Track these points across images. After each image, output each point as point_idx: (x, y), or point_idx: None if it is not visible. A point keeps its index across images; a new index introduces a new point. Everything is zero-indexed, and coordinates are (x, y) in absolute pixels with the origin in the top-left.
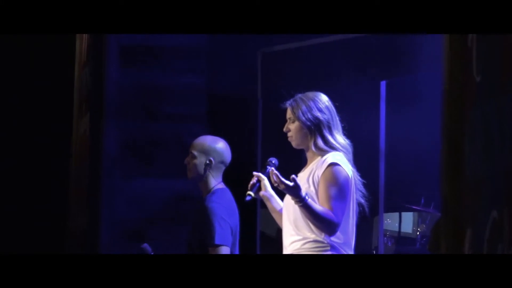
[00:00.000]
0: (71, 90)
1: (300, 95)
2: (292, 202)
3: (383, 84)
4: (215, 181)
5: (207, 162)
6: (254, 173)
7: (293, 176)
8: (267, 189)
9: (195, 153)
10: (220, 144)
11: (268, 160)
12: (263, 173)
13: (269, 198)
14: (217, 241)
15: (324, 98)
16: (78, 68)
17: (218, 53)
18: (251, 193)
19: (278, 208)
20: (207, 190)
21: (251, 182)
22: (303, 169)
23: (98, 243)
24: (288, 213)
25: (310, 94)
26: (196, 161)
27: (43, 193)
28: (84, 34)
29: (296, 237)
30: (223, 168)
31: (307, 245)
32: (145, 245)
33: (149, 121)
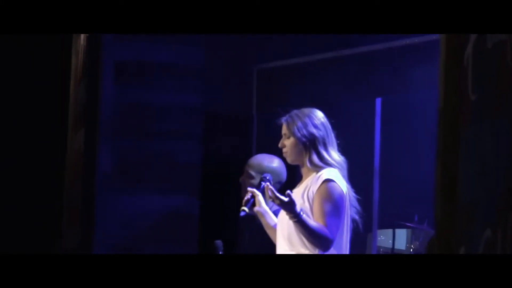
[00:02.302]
0: (67, 105)
1: (295, 111)
2: (287, 217)
3: (378, 101)
4: (271, 203)
5: (263, 182)
6: (249, 188)
7: (288, 191)
8: (262, 205)
9: (253, 173)
10: (277, 164)
11: (263, 176)
12: (257, 189)
13: (263, 214)
14: None
15: (319, 115)
16: (74, 84)
17: (214, 70)
18: (246, 208)
19: (272, 224)
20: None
21: (246, 198)
22: (298, 184)
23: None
24: (282, 228)
25: (306, 110)
26: (254, 182)
27: (36, 209)
28: (79, 48)
29: (290, 253)
30: (279, 187)
31: None
32: (219, 242)
33: (143, 138)
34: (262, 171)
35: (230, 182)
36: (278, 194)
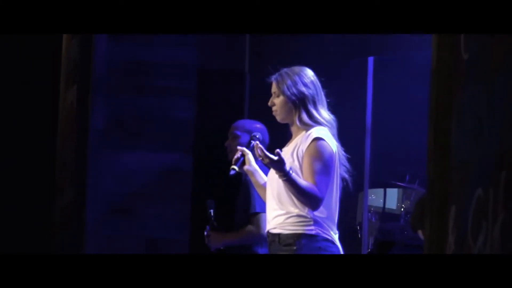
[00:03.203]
0: (59, 62)
1: (285, 69)
2: (276, 176)
3: (370, 60)
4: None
5: (252, 141)
6: (239, 147)
7: (278, 150)
8: (251, 163)
9: (238, 132)
10: (259, 125)
11: (252, 135)
12: (247, 148)
13: (253, 173)
14: (257, 209)
15: (309, 73)
16: (66, 41)
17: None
18: (235, 167)
19: (262, 183)
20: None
21: (235, 157)
22: (288, 143)
23: (85, 218)
24: (271, 187)
25: (296, 68)
26: (240, 140)
27: (29, 167)
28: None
29: (280, 212)
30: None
31: (290, 220)
32: (210, 201)
33: (136, 95)
34: (246, 130)
35: (223, 139)
36: (267, 153)
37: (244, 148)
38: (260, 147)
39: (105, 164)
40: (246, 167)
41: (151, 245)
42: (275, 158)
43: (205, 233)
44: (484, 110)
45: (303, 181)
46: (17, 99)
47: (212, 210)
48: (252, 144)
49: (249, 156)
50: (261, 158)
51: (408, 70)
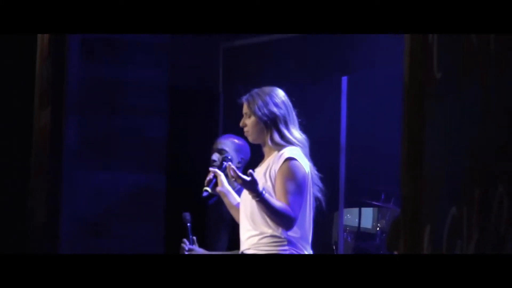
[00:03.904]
0: (32, 82)
1: (256, 90)
2: (249, 197)
3: (344, 79)
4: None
5: (239, 161)
6: (211, 168)
7: (250, 170)
8: (224, 184)
9: (227, 149)
10: (241, 142)
11: (224, 156)
12: (219, 169)
13: (226, 194)
14: None
15: (280, 93)
16: (40, 61)
17: (181, 47)
18: (208, 188)
19: (235, 203)
20: (233, 187)
21: (208, 178)
22: (260, 164)
23: (59, 237)
24: (245, 208)
25: (267, 89)
26: (216, 161)
27: (3, 187)
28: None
29: (253, 232)
30: (243, 165)
31: (264, 240)
32: (186, 214)
33: (110, 114)
34: (236, 149)
35: (196, 158)
36: (240, 174)
37: (216, 170)
38: (232, 168)
39: (79, 184)
40: (218, 188)
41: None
42: (248, 178)
43: (186, 247)
44: (456, 125)
45: (276, 201)
46: None
47: (189, 224)
48: (224, 165)
49: (222, 177)
50: (233, 179)
51: (381, 88)
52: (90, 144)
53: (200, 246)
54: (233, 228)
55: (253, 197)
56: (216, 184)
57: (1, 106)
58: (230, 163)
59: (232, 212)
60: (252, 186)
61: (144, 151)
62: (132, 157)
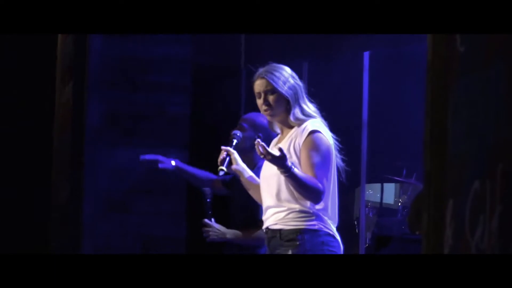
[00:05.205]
0: (54, 58)
1: (270, 66)
2: (272, 173)
3: (366, 55)
4: (259, 157)
5: (256, 137)
6: (223, 147)
7: (280, 146)
8: (238, 162)
9: (246, 125)
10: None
11: (232, 133)
12: (231, 147)
13: (242, 172)
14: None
15: (287, 67)
16: (61, 38)
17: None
18: (223, 168)
19: (250, 179)
20: (252, 165)
21: (221, 157)
22: (278, 140)
23: (82, 215)
24: (268, 186)
25: (278, 65)
26: (246, 135)
27: (26, 164)
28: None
29: (280, 209)
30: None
31: (291, 215)
32: (207, 189)
33: (132, 91)
34: (254, 126)
35: (220, 134)
36: (269, 150)
37: (229, 148)
38: (262, 145)
39: (101, 161)
40: (233, 166)
41: (147, 242)
42: (278, 154)
43: (205, 221)
44: (479, 101)
45: (304, 175)
46: (13, 97)
47: (209, 200)
48: (235, 142)
49: (235, 155)
50: (262, 156)
51: (404, 64)
52: (112, 121)
53: (218, 222)
54: (246, 206)
55: (282, 172)
56: (230, 162)
57: (23, 83)
58: (259, 140)
59: (250, 189)
60: (281, 162)
61: (166, 128)
62: (154, 134)
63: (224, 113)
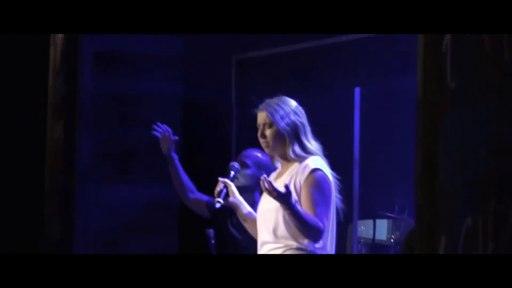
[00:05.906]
0: (46, 96)
1: (273, 99)
2: (269, 208)
3: (357, 90)
4: (259, 195)
5: (259, 176)
6: (220, 179)
7: (286, 183)
8: (235, 195)
9: (250, 163)
10: (264, 157)
11: (231, 165)
12: (228, 179)
13: (239, 205)
14: None
15: (293, 102)
16: (52, 75)
17: (193, 60)
18: (221, 200)
19: (246, 213)
20: (251, 203)
21: (218, 189)
22: (277, 176)
23: (73, 251)
24: (265, 221)
25: (281, 98)
26: (248, 172)
27: (17, 200)
28: (58, 40)
29: (276, 245)
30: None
31: (288, 252)
32: (210, 231)
33: (123, 128)
34: (259, 164)
35: (210, 172)
36: (275, 187)
37: (226, 180)
38: (268, 181)
39: (93, 198)
40: (230, 199)
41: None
42: (283, 191)
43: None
44: (470, 136)
45: (306, 213)
46: (5, 133)
47: (213, 241)
48: (233, 174)
49: (232, 187)
50: (267, 192)
51: (395, 99)
52: (103, 158)
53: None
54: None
55: (285, 209)
56: (227, 195)
57: (15, 119)
58: (265, 175)
59: (246, 222)
60: (286, 199)
61: (158, 165)
62: (145, 171)
63: (214, 150)
